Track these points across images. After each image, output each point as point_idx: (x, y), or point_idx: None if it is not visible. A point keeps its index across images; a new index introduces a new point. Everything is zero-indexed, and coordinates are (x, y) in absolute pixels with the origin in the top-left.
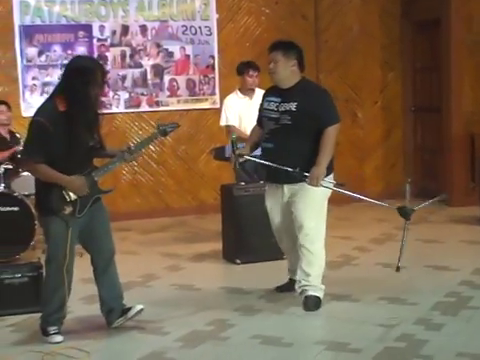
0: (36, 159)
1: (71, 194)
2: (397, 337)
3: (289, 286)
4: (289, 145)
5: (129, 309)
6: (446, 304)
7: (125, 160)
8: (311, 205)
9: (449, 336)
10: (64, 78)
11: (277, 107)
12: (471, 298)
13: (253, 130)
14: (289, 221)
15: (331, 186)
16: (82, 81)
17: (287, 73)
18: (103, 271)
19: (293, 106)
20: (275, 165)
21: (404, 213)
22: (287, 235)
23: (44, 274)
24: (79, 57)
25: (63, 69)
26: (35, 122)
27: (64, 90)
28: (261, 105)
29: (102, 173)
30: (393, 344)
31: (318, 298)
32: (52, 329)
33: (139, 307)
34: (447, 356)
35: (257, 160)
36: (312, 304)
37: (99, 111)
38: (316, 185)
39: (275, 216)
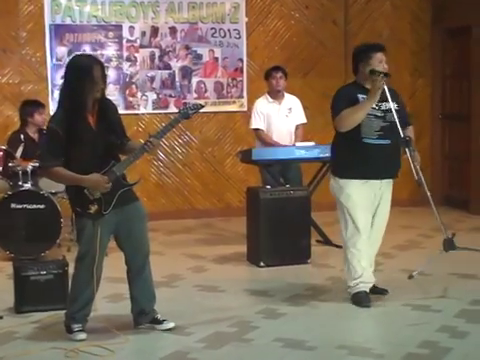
0: (49, 164)
1: (93, 192)
2: (420, 344)
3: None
4: (398, 141)
5: (161, 322)
6: (471, 312)
7: (146, 150)
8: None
9: (474, 344)
10: (63, 79)
11: (378, 106)
12: None
13: None
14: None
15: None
16: (78, 79)
17: None
18: (138, 272)
19: (395, 105)
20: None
21: (447, 245)
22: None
23: (73, 271)
24: (75, 56)
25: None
26: (47, 129)
27: (63, 90)
28: (351, 101)
29: (123, 167)
30: (416, 351)
31: None
32: (76, 326)
33: (171, 325)
34: None
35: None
36: None
37: (107, 106)
38: (418, 165)
39: (365, 213)
